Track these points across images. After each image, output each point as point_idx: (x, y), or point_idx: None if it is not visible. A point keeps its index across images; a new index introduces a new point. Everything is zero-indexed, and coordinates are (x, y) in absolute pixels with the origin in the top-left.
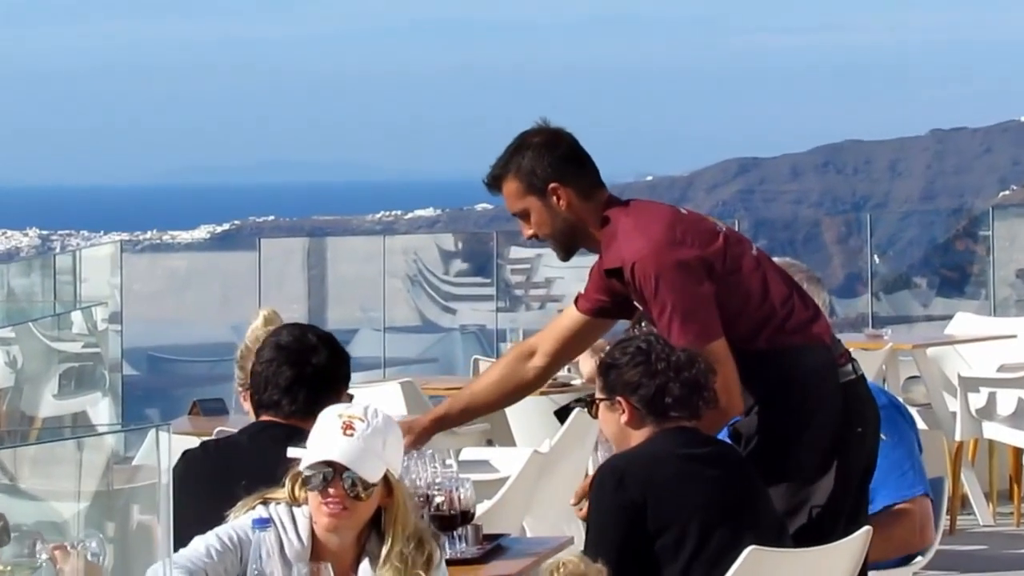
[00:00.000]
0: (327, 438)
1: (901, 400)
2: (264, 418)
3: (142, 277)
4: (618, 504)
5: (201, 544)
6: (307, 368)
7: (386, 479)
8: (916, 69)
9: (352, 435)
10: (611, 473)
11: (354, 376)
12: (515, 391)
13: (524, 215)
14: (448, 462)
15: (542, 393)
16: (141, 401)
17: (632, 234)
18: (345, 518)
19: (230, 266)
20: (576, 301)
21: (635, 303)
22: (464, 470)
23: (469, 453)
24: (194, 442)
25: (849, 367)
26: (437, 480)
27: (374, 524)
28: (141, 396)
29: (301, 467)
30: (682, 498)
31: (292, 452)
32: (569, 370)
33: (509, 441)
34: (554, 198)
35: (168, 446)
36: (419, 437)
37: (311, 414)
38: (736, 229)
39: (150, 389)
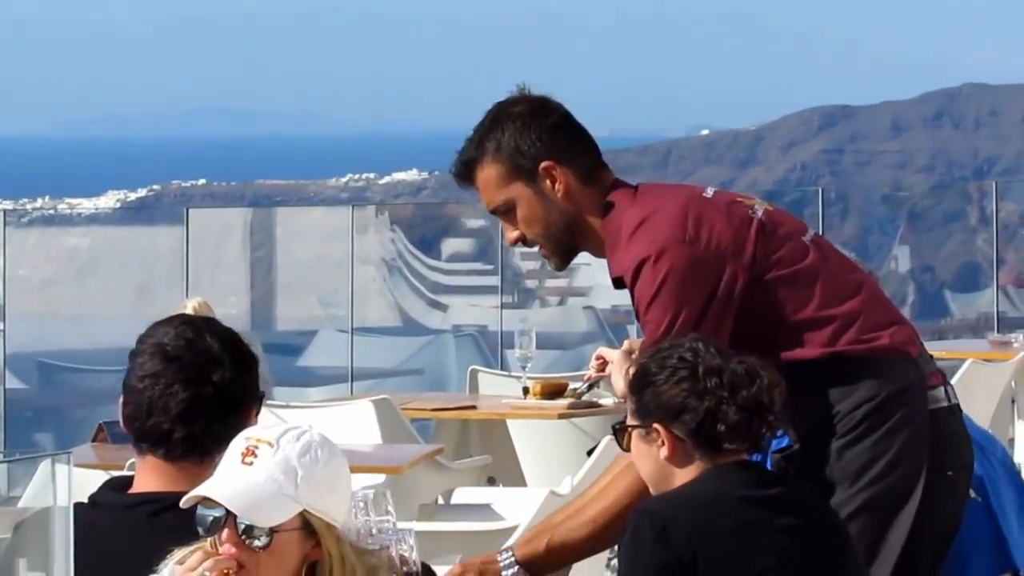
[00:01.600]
0: (220, 470)
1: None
2: (151, 469)
3: (30, 259)
4: (660, 562)
5: None
6: (207, 388)
7: (309, 526)
8: None
9: (252, 464)
10: (651, 522)
11: (313, 391)
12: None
13: (508, 209)
14: (389, 508)
15: (561, 416)
16: (29, 423)
17: (637, 233)
18: (244, 572)
19: (147, 245)
20: None
21: None
22: (459, 516)
23: (465, 494)
24: (101, 477)
25: (942, 391)
26: (372, 532)
27: None
28: (30, 417)
29: (186, 505)
30: (745, 556)
31: (184, 502)
32: (599, 385)
33: (517, 479)
34: (547, 182)
35: (68, 482)
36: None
37: (212, 451)
38: (820, 200)
39: (41, 408)
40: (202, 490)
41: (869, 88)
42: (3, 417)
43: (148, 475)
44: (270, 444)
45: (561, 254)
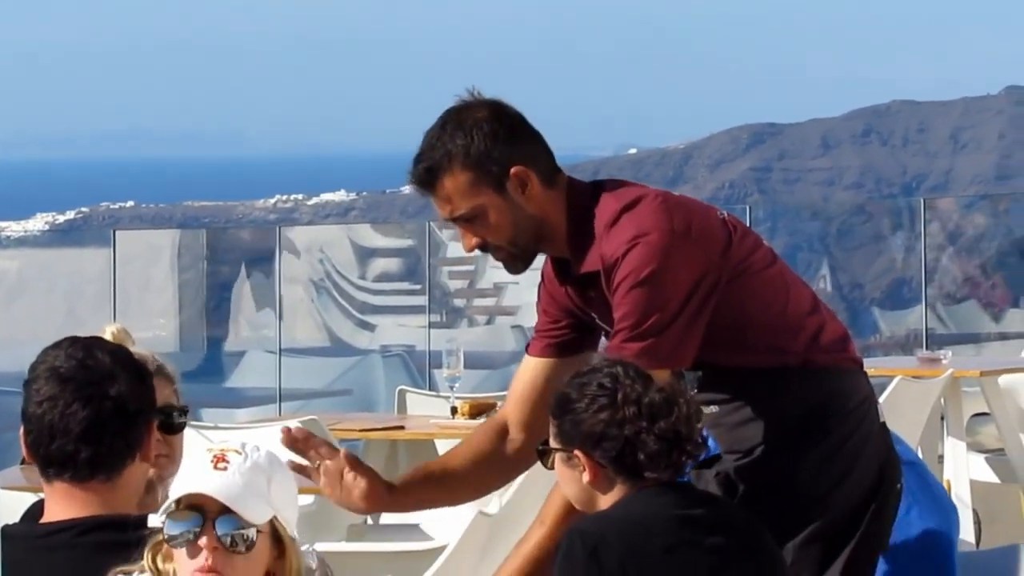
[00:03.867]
0: (192, 476)
1: (917, 452)
2: (61, 495)
3: None
4: None
5: None
6: (107, 403)
7: (277, 535)
8: (987, 8)
9: (226, 468)
10: (582, 541)
11: (241, 412)
12: (497, 475)
13: (475, 217)
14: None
15: None
16: None
17: (620, 222)
18: None
19: (76, 267)
20: (528, 347)
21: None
22: (388, 536)
23: (394, 515)
24: (31, 499)
25: (878, 406)
26: None
27: None
28: None
29: (160, 520)
30: (676, 575)
31: (152, 519)
32: None
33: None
34: (518, 188)
35: None
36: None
37: (121, 468)
38: (748, 217)
39: None
40: (191, 488)
41: (797, 106)
42: None
43: (59, 503)
44: (237, 452)
45: (524, 260)
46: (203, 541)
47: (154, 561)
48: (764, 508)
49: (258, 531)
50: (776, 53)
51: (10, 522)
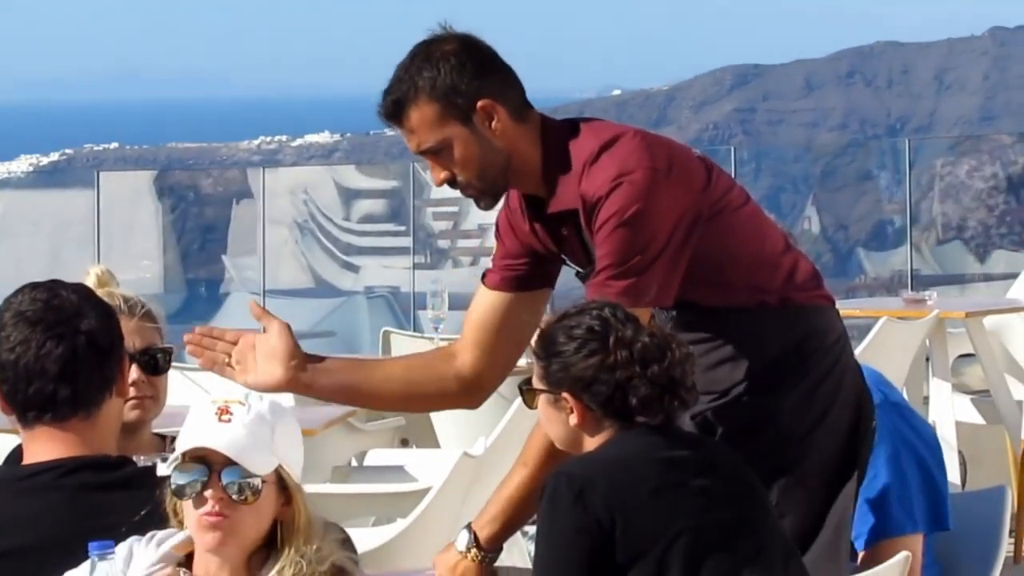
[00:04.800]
0: (197, 429)
1: (902, 393)
2: (42, 438)
3: None
4: (577, 526)
5: None
6: (80, 338)
7: (282, 483)
8: None
9: (229, 420)
10: (568, 484)
11: None
12: (432, 396)
13: (441, 150)
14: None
15: None
16: None
17: (600, 160)
18: (229, 531)
19: (60, 209)
20: (484, 276)
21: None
22: (372, 478)
23: (378, 456)
24: (13, 441)
25: (850, 343)
26: None
27: (270, 545)
28: None
29: (168, 470)
30: (663, 518)
31: (161, 467)
32: None
33: (430, 441)
34: (485, 122)
35: None
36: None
37: (98, 404)
38: (733, 159)
39: None
40: (197, 442)
41: (781, 47)
42: None
43: (40, 445)
44: (241, 403)
45: (492, 194)
46: (209, 493)
47: (174, 511)
48: (744, 450)
49: (263, 480)
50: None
51: None
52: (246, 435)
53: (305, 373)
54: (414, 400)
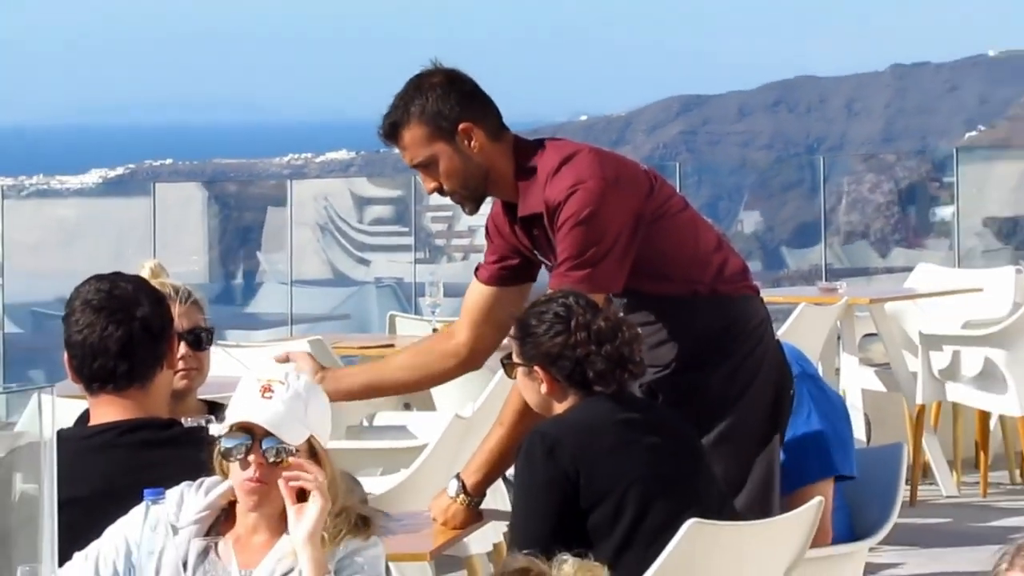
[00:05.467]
0: (243, 403)
1: (817, 367)
2: (105, 404)
3: (27, 226)
4: (549, 476)
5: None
6: (135, 323)
7: (313, 450)
8: None
9: (271, 398)
10: (542, 441)
11: (259, 334)
12: (437, 373)
13: (430, 164)
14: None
15: None
16: (24, 362)
17: (561, 172)
18: (267, 493)
19: (123, 214)
20: (477, 271)
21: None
22: (380, 436)
23: (385, 418)
24: (82, 405)
25: (772, 327)
26: None
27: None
28: (24, 356)
29: (219, 433)
30: (619, 469)
31: (213, 428)
32: None
33: (429, 405)
34: (465, 141)
35: (52, 410)
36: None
37: (151, 376)
38: (679, 173)
39: (34, 349)
40: (243, 416)
41: (719, 80)
42: (2, 357)
43: (103, 409)
44: (281, 382)
45: (474, 200)
46: (251, 457)
47: (220, 466)
48: (683, 414)
49: (296, 449)
50: (702, 35)
51: (62, 427)
52: (284, 411)
53: (327, 382)
54: (423, 380)
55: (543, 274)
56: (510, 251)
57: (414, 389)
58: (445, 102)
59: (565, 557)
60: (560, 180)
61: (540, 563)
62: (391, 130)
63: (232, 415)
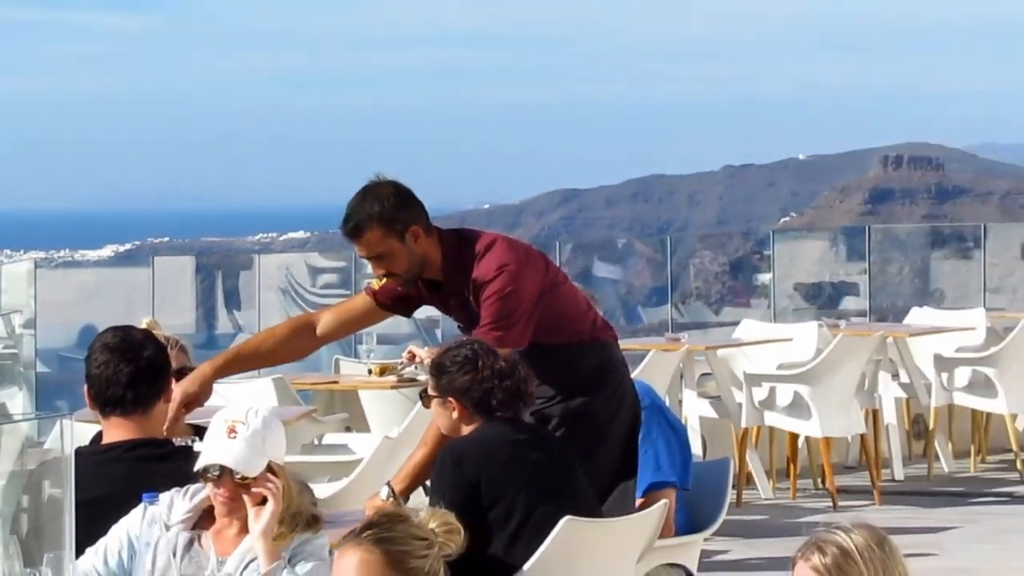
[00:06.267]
0: (213, 444)
1: (664, 399)
2: (114, 426)
3: (55, 289)
4: (456, 482)
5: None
6: (142, 362)
7: (271, 468)
8: (711, 111)
9: (235, 438)
10: (451, 455)
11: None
12: (291, 355)
13: (383, 257)
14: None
15: (392, 387)
16: (53, 394)
17: (486, 257)
18: (236, 506)
19: (130, 280)
20: (376, 293)
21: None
22: (327, 453)
23: (330, 438)
24: (94, 428)
25: (628, 368)
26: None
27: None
28: (53, 390)
29: (199, 467)
30: (510, 477)
31: (197, 446)
32: (417, 367)
33: (365, 428)
34: (411, 239)
35: (71, 432)
36: (204, 386)
37: (152, 405)
38: (559, 250)
39: (60, 384)
40: (213, 459)
41: (590, 176)
42: (36, 390)
43: (112, 431)
44: (242, 422)
45: (412, 281)
46: (223, 488)
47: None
48: (564, 435)
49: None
50: (578, 140)
51: (80, 444)
52: (245, 448)
53: (214, 376)
54: (276, 352)
55: (452, 325)
56: (405, 298)
57: (266, 361)
58: (397, 209)
59: (421, 508)
60: (486, 263)
61: (402, 510)
62: (355, 231)
63: (205, 455)
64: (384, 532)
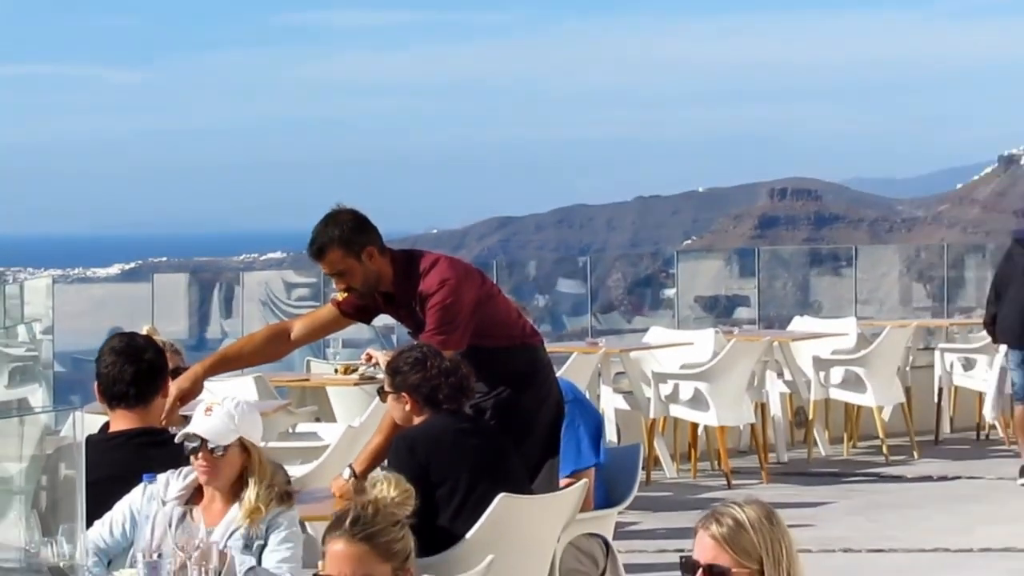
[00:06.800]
0: (195, 419)
1: (585, 394)
2: (119, 417)
3: (71, 301)
4: (409, 464)
5: (102, 527)
6: (143, 364)
7: (243, 446)
8: (625, 150)
9: (210, 415)
10: (404, 442)
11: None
12: (269, 357)
13: (344, 274)
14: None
15: (356, 384)
16: (68, 390)
17: (430, 273)
18: (213, 474)
19: (134, 293)
20: (340, 304)
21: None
22: (299, 439)
23: (302, 427)
24: (102, 419)
25: (553, 368)
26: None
27: (244, 481)
28: (67, 387)
29: (180, 439)
30: (455, 460)
31: (177, 436)
32: (375, 367)
33: (332, 418)
34: (367, 259)
35: (82, 423)
36: (195, 383)
37: (151, 400)
38: (496, 268)
39: (74, 382)
40: (191, 429)
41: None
42: (53, 387)
43: (118, 421)
44: (218, 404)
45: (369, 294)
46: (200, 454)
47: (192, 460)
48: (499, 426)
49: (228, 446)
50: (513, 174)
51: (90, 433)
52: (218, 423)
53: (205, 377)
54: (254, 355)
55: (405, 332)
56: (364, 308)
57: (247, 362)
58: (355, 233)
59: (380, 476)
60: (431, 278)
61: (379, 501)
62: (319, 253)
63: (189, 427)
64: (370, 528)
